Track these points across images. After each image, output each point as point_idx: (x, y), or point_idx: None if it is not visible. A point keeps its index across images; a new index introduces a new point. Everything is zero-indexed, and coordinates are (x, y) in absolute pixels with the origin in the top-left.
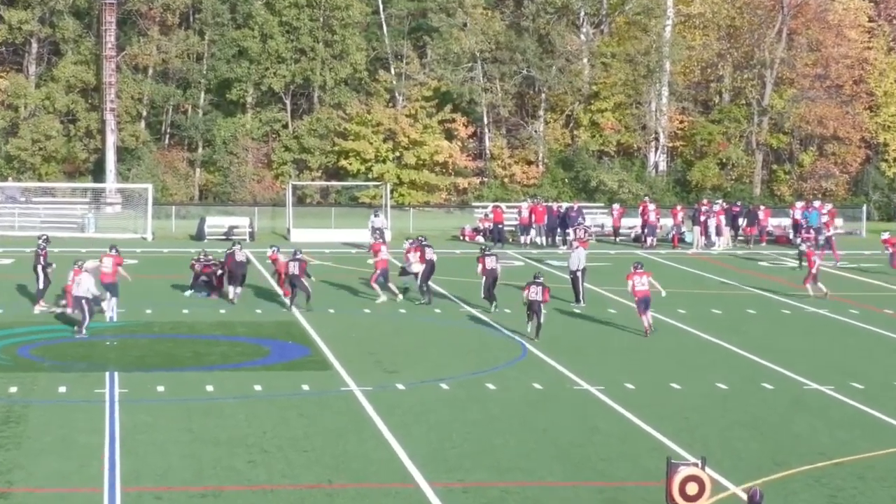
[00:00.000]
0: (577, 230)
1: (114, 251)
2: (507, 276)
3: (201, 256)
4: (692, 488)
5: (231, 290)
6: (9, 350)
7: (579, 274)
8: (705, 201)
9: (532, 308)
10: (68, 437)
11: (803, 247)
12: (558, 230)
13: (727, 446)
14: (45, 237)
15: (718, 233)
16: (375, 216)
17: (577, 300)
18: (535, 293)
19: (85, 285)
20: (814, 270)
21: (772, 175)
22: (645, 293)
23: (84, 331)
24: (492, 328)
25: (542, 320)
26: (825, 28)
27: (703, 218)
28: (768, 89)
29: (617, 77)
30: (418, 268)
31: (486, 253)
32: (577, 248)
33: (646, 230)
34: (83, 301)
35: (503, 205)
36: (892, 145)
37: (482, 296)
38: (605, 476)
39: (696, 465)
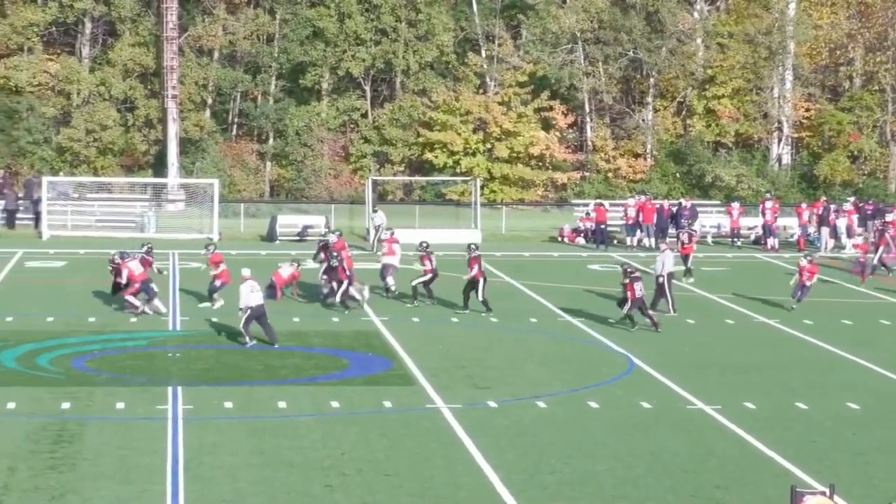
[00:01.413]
0: (681, 234)
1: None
2: (605, 281)
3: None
4: None
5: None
6: (61, 362)
7: (663, 280)
8: (823, 199)
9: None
10: (127, 458)
11: None
12: (670, 231)
13: (859, 472)
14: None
15: (849, 234)
16: (374, 212)
17: (669, 309)
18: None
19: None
20: None
21: None
22: None
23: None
24: (594, 340)
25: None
26: None
27: (831, 217)
28: None
29: (735, 59)
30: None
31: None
32: (663, 250)
33: (766, 231)
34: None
35: (606, 202)
36: None
37: (479, 298)
38: None
39: (823, 493)
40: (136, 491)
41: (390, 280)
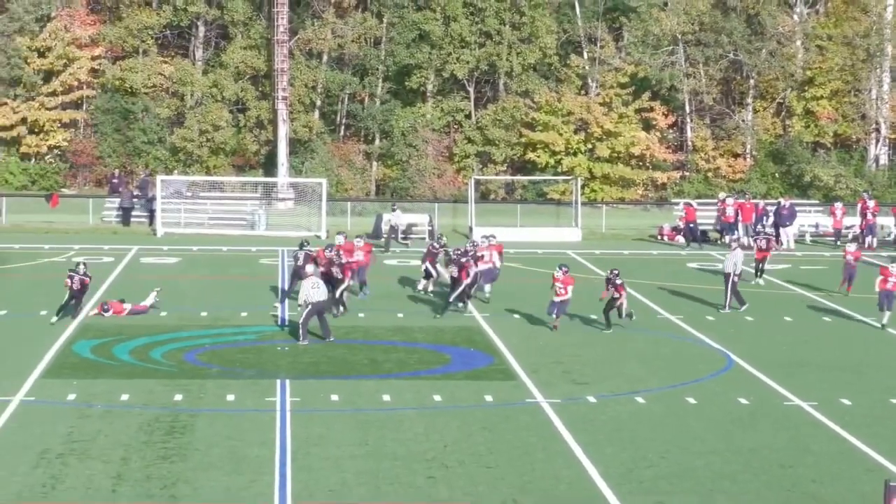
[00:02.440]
0: (759, 240)
1: None
2: (704, 280)
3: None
4: None
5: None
6: (174, 355)
7: (735, 278)
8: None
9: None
10: (237, 449)
11: None
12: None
13: None
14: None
15: None
16: (392, 211)
17: (737, 305)
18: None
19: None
20: None
21: None
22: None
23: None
24: (691, 338)
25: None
26: None
27: None
28: None
29: (833, 61)
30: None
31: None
32: (734, 248)
33: (865, 230)
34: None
35: (695, 202)
36: None
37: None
38: (817, 499)
39: None
40: (246, 481)
41: (487, 288)
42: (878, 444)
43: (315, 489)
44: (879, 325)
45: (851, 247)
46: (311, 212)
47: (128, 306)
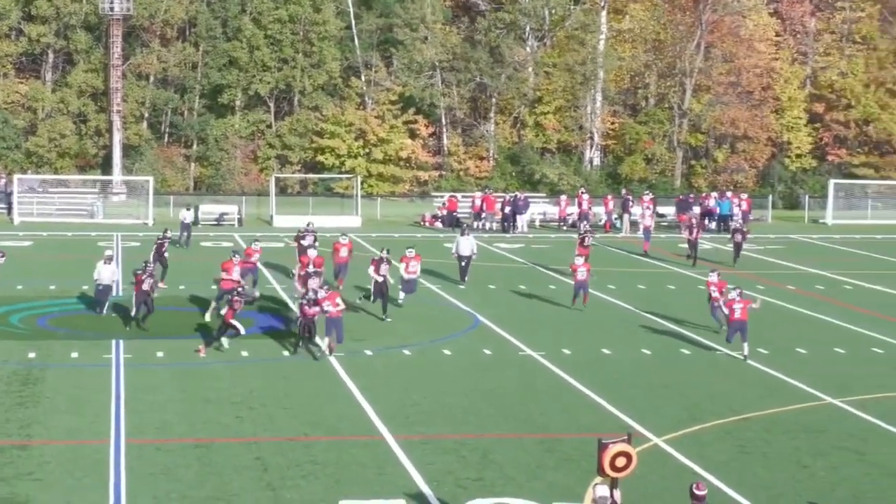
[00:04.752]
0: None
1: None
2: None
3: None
4: (621, 461)
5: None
6: (29, 321)
7: (465, 261)
8: (623, 191)
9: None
10: (80, 396)
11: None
12: (510, 218)
13: (650, 404)
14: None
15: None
16: (187, 210)
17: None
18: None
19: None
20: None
21: (690, 169)
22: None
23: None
24: (447, 302)
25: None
26: (738, 41)
27: (630, 206)
28: (688, 95)
29: (557, 84)
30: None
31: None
32: (466, 234)
33: (581, 217)
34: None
35: (458, 195)
36: (795, 143)
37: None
38: (545, 429)
39: (623, 440)
40: (87, 422)
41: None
42: (592, 384)
43: (144, 428)
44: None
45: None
46: (140, 204)
47: None
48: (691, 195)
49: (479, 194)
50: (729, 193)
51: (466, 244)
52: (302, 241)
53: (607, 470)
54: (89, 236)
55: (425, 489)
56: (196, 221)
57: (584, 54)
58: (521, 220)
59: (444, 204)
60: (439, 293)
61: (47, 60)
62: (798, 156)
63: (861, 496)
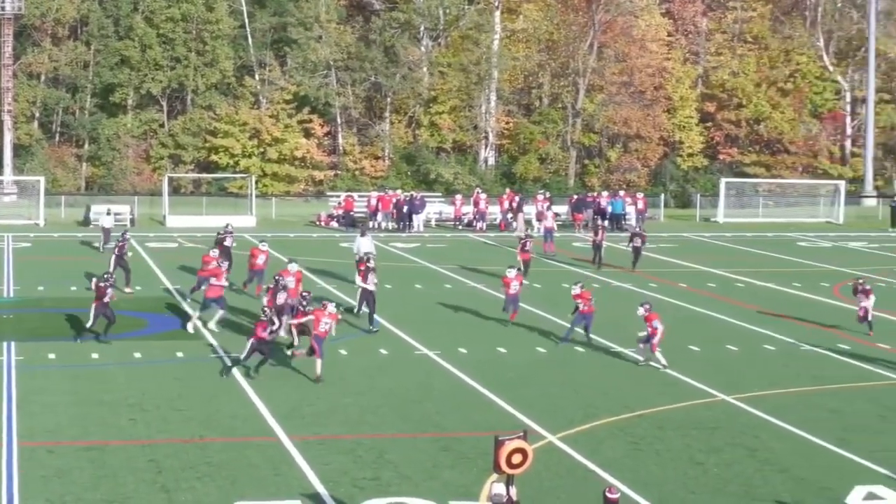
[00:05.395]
0: (525, 242)
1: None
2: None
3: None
4: (517, 458)
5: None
6: None
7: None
8: (508, 191)
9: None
10: None
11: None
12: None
13: (545, 402)
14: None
15: (539, 219)
16: (107, 214)
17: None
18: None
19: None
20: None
21: (584, 168)
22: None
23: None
24: (346, 304)
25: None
26: (630, 42)
27: (526, 206)
28: (581, 95)
29: (452, 84)
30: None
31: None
32: (366, 235)
33: (477, 216)
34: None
35: (355, 194)
36: (686, 142)
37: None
38: (441, 428)
39: (519, 437)
40: None
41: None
42: (489, 384)
43: (36, 431)
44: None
45: (511, 272)
46: (31, 204)
47: None
48: (589, 195)
49: (374, 194)
50: (622, 192)
51: (367, 244)
52: (223, 245)
53: (503, 467)
54: None
55: (321, 489)
56: (88, 222)
57: (478, 54)
58: (418, 220)
59: (339, 203)
60: (336, 293)
61: None
62: (690, 155)
63: (753, 492)
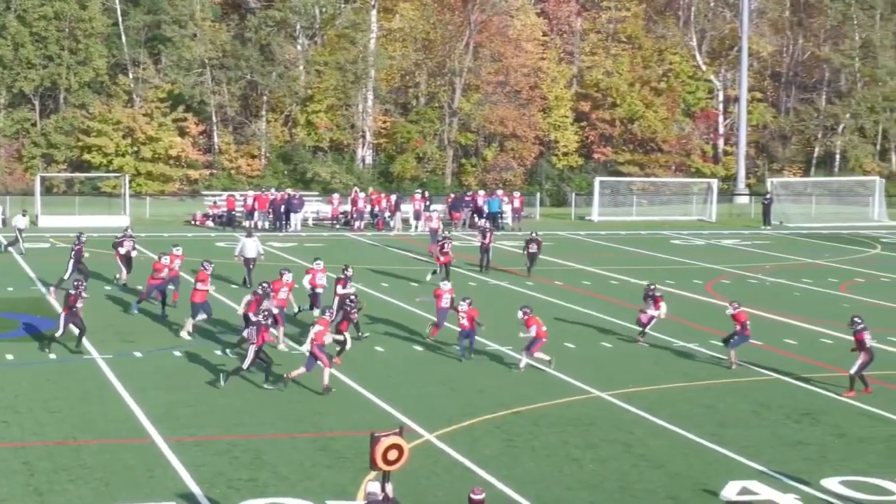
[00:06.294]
0: (446, 243)
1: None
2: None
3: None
4: (393, 454)
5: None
6: None
7: (243, 260)
8: (370, 190)
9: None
10: None
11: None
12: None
13: (423, 401)
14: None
15: (416, 217)
16: (23, 215)
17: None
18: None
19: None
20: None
21: (461, 168)
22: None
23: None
24: (222, 304)
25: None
26: (506, 41)
27: (403, 205)
28: (458, 94)
29: (329, 82)
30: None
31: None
32: (252, 236)
33: (355, 215)
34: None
35: (237, 193)
36: (562, 142)
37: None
38: (318, 428)
39: (395, 433)
40: None
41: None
42: (366, 383)
43: None
44: None
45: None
46: None
47: None
48: (468, 194)
49: (251, 193)
50: (499, 192)
51: (252, 246)
52: (120, 249)
53: (380, 463)
54: None
55: (196, 490)
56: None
57: (354, 53)
58: (295, 219)
59: (215, 203)
60: (213, 295)
61: None
62: (565, 154)
63: (629, 487)
